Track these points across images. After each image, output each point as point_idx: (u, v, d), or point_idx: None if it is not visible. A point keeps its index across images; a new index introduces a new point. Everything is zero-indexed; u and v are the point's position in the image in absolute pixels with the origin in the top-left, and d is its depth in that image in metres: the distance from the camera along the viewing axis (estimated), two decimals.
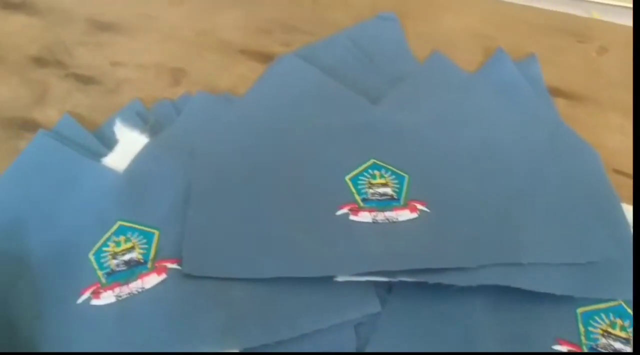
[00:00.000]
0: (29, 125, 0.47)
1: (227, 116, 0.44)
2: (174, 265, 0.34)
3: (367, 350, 0.32)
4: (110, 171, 0.39)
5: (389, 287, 0.34)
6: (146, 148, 0.40)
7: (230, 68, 0.51)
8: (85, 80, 0.50)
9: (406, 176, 0.38)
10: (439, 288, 0.33)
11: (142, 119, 0.45)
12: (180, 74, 0.50)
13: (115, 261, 0.35)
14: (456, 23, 0.55)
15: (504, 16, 0.55)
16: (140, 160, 0.40)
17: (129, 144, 0.41)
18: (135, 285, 0.33)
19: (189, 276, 0.33)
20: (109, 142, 0.43)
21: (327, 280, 0.34)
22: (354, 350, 0.32)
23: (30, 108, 0.48)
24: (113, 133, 0.43)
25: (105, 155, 0.41)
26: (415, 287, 0.34)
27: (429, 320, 0.33)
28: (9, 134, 0.46)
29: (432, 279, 0.33)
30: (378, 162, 0.39)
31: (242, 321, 0.31)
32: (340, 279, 0.34)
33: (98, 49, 0.53)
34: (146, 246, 0.35)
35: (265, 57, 0.51)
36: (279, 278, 0.33)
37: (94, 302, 0.33)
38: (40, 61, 0.52)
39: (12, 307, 0.34)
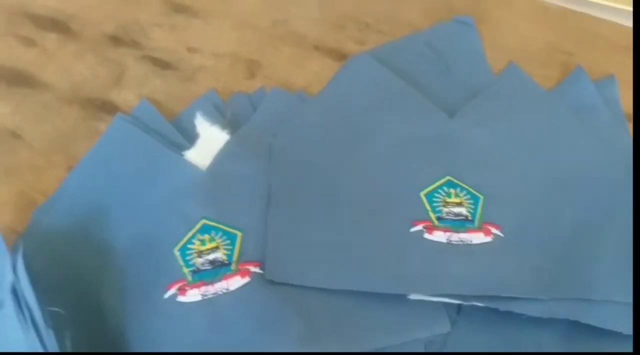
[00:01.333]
0: (107, 107, 0.48)
1: (301, 118, 0.44)
2: (257, 269, 0.36)
3: None
4: (194, 167, 0.40)
5: (458, 308, 0.36)
6: (227, 146, 0.42)
7: (304, 64, 0.51)
8: (162, 64, 0.51)
9: (481, 197, 0.39)
10: (508, 314, 0.34)
11: (219, 112, 0.46)
12: (255, 66, 0.50)
13: (200, 260, 0.36)
14: (532, 33, 0.54)
15: (582, 30, 0.54)
16: (223, 159, 0.41)
17: (210, 140, 0.42)
18: (220, 286, 0.35)
19: (271, 282, 0.35)
20: (187, 134, 0.44)
21: (401, 297, 0.35)
22: None
23: (108, 89, 0.49)
24: (191, 124, 0.45)
25: (185, 148, 0.42)
26: (484, 310, 0.35)
27: (496, 345, 0.34)
28: (88, 114, 0.48)
29: (503, 307, 0.34)
30: (453, 179, 0.40)
31: (318, 332, 0.33)
32: (413, 297, 0.35)
33: (173, 31, 0.53)
34: (230, 247, 0.37)
35: (339, 55, 0.51)
36: (354, 291, 0.35)
37: (180, 298, 0.35)
38: (116, 40, 0.53)
39: (99, 295, 0.37)
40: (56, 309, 0.32)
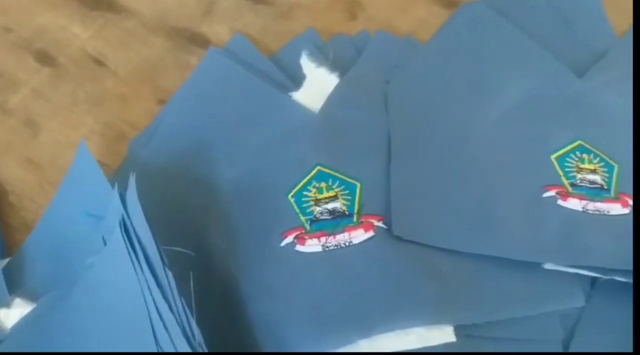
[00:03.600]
0: (197, 40, 0.44)
1: (415, 66, 0.40)
2: (380, 223, 0.33)
3: (573, 344, 0.31)
4: (306, 110, 0.37)
5: (592, 282, 0.33)
6: (339, 90, 0.38)
7: (408, 9, 0.46)
8: None
9: (615, 165, 0.36)
10: None
11: (321, 53, 0.42)
12: (356, 7, 0.46)
13: (318, 208, 0.33)
14: None
15: None
16: (335, 103, 0.37)
17: (318, 82, 0.38)
18: (343, 238, 0.32)
19: (397, 238, 0.32)
20: (288, 73, 0.41)
21: (535, 266, 0.32)
22: (560, 341, 0.31)
23: (197, 20, 0.45)
24: (293, 64, 0.41)
25: (290, 88, 0.39)
26: (621, 285, 0.32)
27: (631, 321, 0.32)
28: (176, 45, 0.44)
29: None
30: (585, 144, 0.37)
31: (453, 296, 0.30)
32: (548, 266, 0.32)
33: None
34: (349, 198, 0.34)
35: (447, 2, 0.47)
36: (486, 255, 0.32)
37: (299, 247, 0.32)
38: None
39: (204, 237, 0.34)
40: (179, 249, 0.29)
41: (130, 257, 0.29)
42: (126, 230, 0.30)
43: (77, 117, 0.40)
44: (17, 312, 0.31)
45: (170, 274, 0.28)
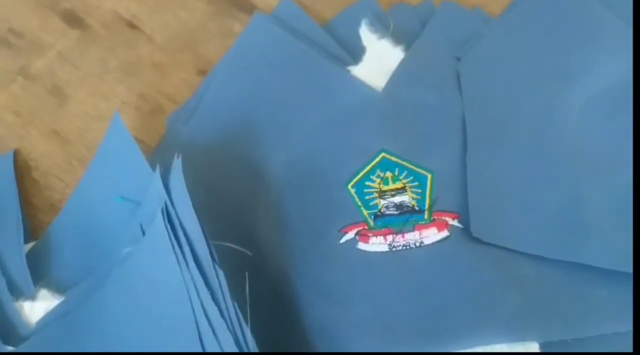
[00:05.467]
0: (240, 4, 0.39)
1: (489, 42, 0.36)
2: (456, 222, 0.29)
3: None
4: (368, 88, 0.33)
5: None
6: (404, 66, 0.33)
7: None
8: None
9: None
10: None
11: (381, 23, 0.38)
12: None
13: (383, 201, 0.29)
14: None
15: None
16: (401, 81, 0.33)
17: (380, 57, 0.34)
18: (412, 237, 0.28)
19: (476, 240, 0.28)
20: (343, 45, 0.37)
21: (628, 276, 0.28)
22: None
23: None
24: (349, 34, 0.36)
25: (347, 62, 0.35)
26: None
27: None
28: (218, 10, 0.39)
29: None
30: None
31: (538, 308, 0.27)
32: None
33: None
34: (419, 191, 0.30)
35: None
36: (574, 263, 0.28)
37: (361, 246, 0.28)
38: None
39: (253, 227, 0.30)
40: (233, 245, 0.26)
41: (174, 251, 0.26)
42: (169, 220, 0.26)
43: (108, 86, 0.36)
44: (42, 305, 0.28)
45: (221, 273, 0.25)
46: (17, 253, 0.29)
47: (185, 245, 0.26)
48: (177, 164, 0.26)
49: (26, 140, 0.35)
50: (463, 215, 0.29)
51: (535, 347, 0.26)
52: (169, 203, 0.26)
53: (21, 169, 0.34)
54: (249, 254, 0.26)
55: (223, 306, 0.24)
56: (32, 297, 0.28)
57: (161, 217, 0.26)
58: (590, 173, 0.30)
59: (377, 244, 0.28)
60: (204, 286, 0.25)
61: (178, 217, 0.26)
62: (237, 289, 0.25)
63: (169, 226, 0.26)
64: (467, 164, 0.30)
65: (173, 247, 0.25)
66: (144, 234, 0.27)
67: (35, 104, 0.36)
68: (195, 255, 0.25)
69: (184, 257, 0.25)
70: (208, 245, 0.25)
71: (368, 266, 0.28)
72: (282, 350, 0.26)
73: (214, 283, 0.25)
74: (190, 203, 0.25)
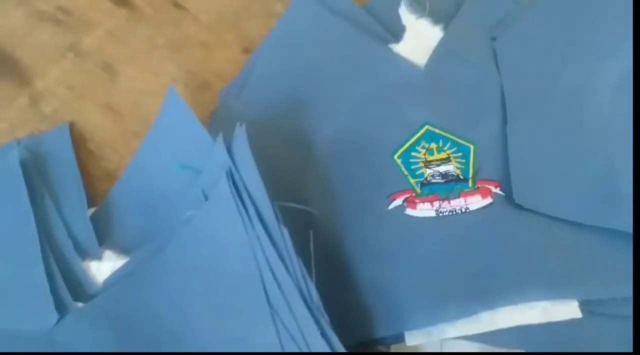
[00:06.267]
0: None
1: (523, 22, 0.37)
2: (498, 190, 0.30)
3: None
4: (411, 64, 0.34)
5: None
6: (444, 44, 0.35)
7: None
8: None
9: None
10: None
11: (418, 4, 0.39)
12: None
13: (429, 171, 0.31)
14: None
15: None
16: (442, 58, 0.34)
17: (420, 35, 0.36)
18: (458, 204, 0.30)
19: (517, 207, 0.29)
20: (384, 24, 0.38)
21: None
22: None
23: None
24: (388, 13, 0.37)
25: (388, 40, 0.36)
26: None
27: None
28: None
29: None
30: None
31: (578, 269, 0.28)
32: None
33: None
34: (463, 161, 0.31)
35: None
36: (613, 230, 0.30)
37: (409, 211, 0.30)
38: None
39: (304, 197, 0.31)
40: (297, 205, 0.27)
41: (239, 212, 0.27)
42: (234, 183, 0.28)
43: (157, 63, 0.38)
44: (108, 265, 0.29)
45: (285, 231, 0.26)
46: (81, 216, 0.31)
47: (250, 206, 0.27)
48: (241, 130, 0.28)
49: (80, 114, 0.36)
50: (505, 184, 0.30)
51: (574, 305, 0.27)
52: (233, 168, 0.28)
53: (77, 141, 0.35)
54: (313, 211, 0.27)
55: (288, 262, 0.26)
56: (98, 258, 0.30)
57: (226, 180, 0.28)
58: (622, 146, 0.32)
59: (424, 210, 0.30)
60: (269, 244, 0.26)
61: (242, 180, 0.28)
62: (299, 249, 0.27)
63: (233, 189, 0.28)
64: (507, 136, 0.31)
65: (238, 208, 0.27)
66: (206, 198, 0.29)
67: (87, 79, 0.37)
68: (260, 215, 0.27)
69: (248, 217, 0.27)
70: (272, 205, 0.27)
71: (416, 230, 0.29)
72: (337, 307, 0.27)
73: (279, 241, 0.26)
74: (254, 165, 0.27)
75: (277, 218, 0.27)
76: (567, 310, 0.27)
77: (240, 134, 0.28)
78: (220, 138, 0.29)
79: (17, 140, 0.35)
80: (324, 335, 0.25)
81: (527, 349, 0.27)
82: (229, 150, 0.28)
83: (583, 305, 0.28)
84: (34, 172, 0.32)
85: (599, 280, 0.28)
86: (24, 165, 0.32)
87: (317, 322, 0.25)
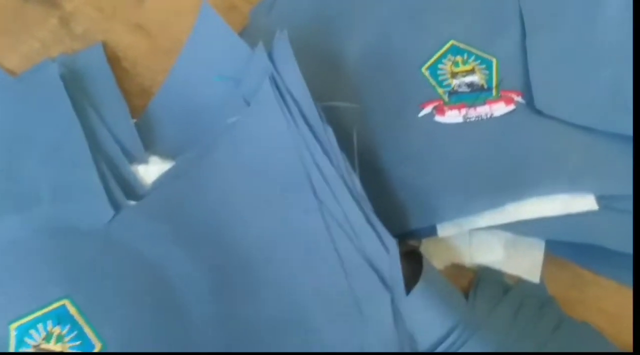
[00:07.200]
0: None
1: None
2: (520, 98, 0.32)
3: None
4: None
5: None
6: None
7: None
8: None
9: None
10: None
11: None
12: None
13: (456, 81, 0.33)
14: None
15: None
16: None
17: None
18: (484, 110, 0.32)
19: (538, 113, 0.32)
20: None
21: None
22: None
23: None
24: None
25: None
26: None
27: None
28: None
29: None
30: None
31: (594, 167, 0.31)
32: None
33: None
34: (487, 72, 0.33)
35: None
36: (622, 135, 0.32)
37: (438, 118, 0.32)
38: None
39: (335, 110, 0.33)
40: (341, 103, 0.29)
41: (283, 113, 0.29)
42: (276, 86, 0.29)
43: None
44: (155, 168, 0.31)
45: (329, 129, 0.28)
46: (125, 123, 0.32)
47: (293, 107, 0.29)
48: (283, 34, 0.29)
49: (111, 34, 0.37)
50: (525, 93, 0.32)
51: (591, 198, 0.30)
52: (275, 73, 0.29)
53: (110, 59, 0.36)
54: (357, 106, 0.29)
55: (333, 156, 0.28)
56: (145, 162, 0.31)
57: (269, 83, 0.29)
58: (626, 59, 0.34)
59: (452, 116, 0.32)
60: (313, 140, 0.28)
61: (284, 83, 0.29)
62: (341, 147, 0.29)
63: (276, 91, 0.29)
64: (527, 49, 0.33)
65: (281, 109, 0.29)
66: (247, 105, 0.31)
67: (116, 0, 0.38)
68: (304, 114, 0.28)
69: (292, 117, 0.29)
70: (315, 105, 0.28)
71: (446, 135, 0.31)
72: (377, 206, 0.29)
73: (323, 137, 0.28)
74: (297, 67, 0.28)
75: (320, 117, 0.28)
76: (585, 202, 0.30)
77: (282, 38, 0.29)
78: (261, 45, 0.30)
79: (51, 59, 0.36)
80: (369, 221, 0.27)
81: (547, 237, 0.30)
82: (269, 57, 0.30)
83: (599, 200, 0.30)
84: (73, 86, 0.33)
85: (613, 178, 0.31)
86: (62, 80, 0.33)
87: (362, 209, 0.27)
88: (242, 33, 0.36)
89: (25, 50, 0.37)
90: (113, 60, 0.36)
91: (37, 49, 0.36)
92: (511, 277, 0.31)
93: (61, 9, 0.38)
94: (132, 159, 0.31)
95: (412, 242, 0.31)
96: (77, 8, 0.38)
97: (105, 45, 0.36)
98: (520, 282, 0.30)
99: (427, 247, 0.31)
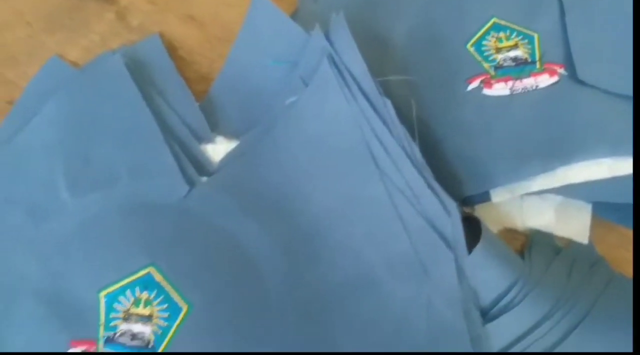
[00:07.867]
0: None
1: None
2: (562, 70, 0.34)
3: None
4: None
5: None
6: None
7: None
8: None
9: None
10: None
11: None
12: None
13: (501, 56, 0.34)
14: None
15: None
16: None
17: None
18: (529, 83, 0.34)
19: (581, 83, 0.33)
20: None
21: None
22: None
23: None
24: None
25: None
26: None
27: None
28: None
29: None
30: None
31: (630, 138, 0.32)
32: None
33: None
34: (530, 46, 0.35)
35: None
36: None
37: (486, 91, 0.34)
38: None
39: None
40: (398, 77, 0.31)
41: (342, 90, 0.31)
42: (335, 64, 0.31)
43: None
44: (222, 147, 0.33)
45: (388, 102, 0.30)
46: (190, 107, 0.34)
47: (352, 84, 0.30)
48: (340, 16, 0.31)
49: (165, 25, 0.39)
50: (568, 66, 0.34)
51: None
52: (332, 53, 0.31)
53: (167, 49, 0.38)
54: (414, 78, 0.31)
55: (392, 127, 0.30)
56: (213, 141, 0.33)
57: (327, 61, 0.31)
58: None
59: (499, 89, 0.34)
60: (373, 113, 0.30)
61: (343, 62, 0.31)
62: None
63: (335, 69, 0.31)
64: (567, 24, 0.35)
65: (340, 86, 0.30)
66: (306, 85, 0.32)
67: None
68: (362, 90, 0.30)
69: (351, 93, 0.30)
70: (373, 80, 0.30)
71: (494, 106, 0.33)
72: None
73: (382, 110, 0.30)
74: (355, 45, 0.30)
75: (379, 91, 0.30)
76: (629, 165, 0.32)
77: (339, 19, 0.31)
78: (317, 27, 0.32)
79: (111, 51, 0.38)
80: (430, 186, 0.29)
81: (595, 199, 0.32)
82: (326, 38, 0.32)
83: None
84: (137, 75, 0.35)
85: None
86: (127, 69, 0.35)
87: (422, 176, 0.29)
88: (292, 18, 0.38)
89: (85, 43, 0.39)
90: (170, 49, 0.38)
91: (96, 42, 0.39)
92: (561, 239, 0.32)
93: (116, 4, 0.40)
94: (200, 140, 0.33)
95: (466, 209, 0.33)
96: (132, 2, 0.40)
97: (161, 36, 0.39)
98: (570, 243, 0.32)
99: (480, 213, 0.32)
